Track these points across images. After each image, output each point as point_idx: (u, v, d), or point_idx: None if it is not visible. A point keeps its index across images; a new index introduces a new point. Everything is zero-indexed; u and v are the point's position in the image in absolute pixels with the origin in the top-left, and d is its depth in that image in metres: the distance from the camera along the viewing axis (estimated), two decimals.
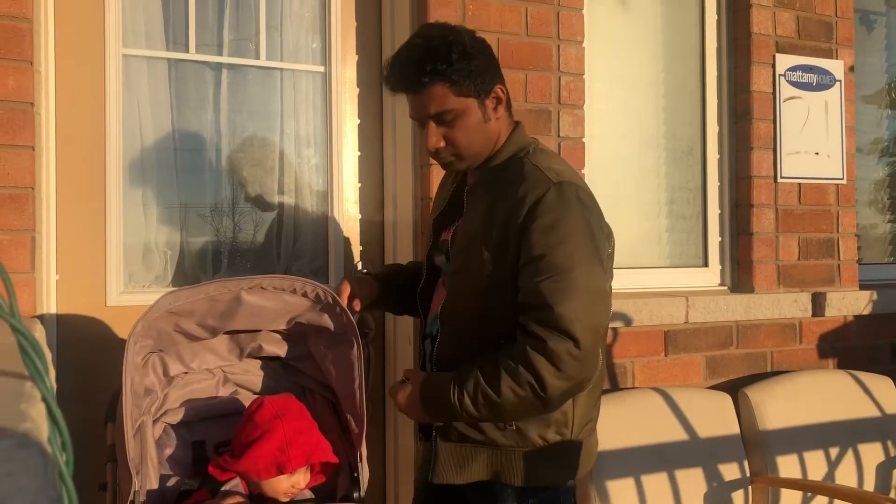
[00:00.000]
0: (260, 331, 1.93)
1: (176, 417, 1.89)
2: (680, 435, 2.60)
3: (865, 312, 3.17)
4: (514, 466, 1.74)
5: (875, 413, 2.94)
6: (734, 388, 2.83)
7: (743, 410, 2.77)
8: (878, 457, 2.89)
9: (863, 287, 3.23)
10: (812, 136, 3.13)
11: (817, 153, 3.14)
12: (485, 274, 1.72)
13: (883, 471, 2.88)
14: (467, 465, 1.76)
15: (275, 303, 1.83)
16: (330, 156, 2.56)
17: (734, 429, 2.71)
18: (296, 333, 1.95)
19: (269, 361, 2.00)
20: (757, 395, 2.78)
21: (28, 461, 0.50)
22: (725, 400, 2.75)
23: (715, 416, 2.70)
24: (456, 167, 1.81)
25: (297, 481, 1.76)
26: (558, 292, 1.60)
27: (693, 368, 2.87)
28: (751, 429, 2.74)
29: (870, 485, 2.84)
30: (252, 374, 1.99)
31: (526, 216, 1.66)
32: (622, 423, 2.52)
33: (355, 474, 1.86)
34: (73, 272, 2.22)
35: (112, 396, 1.94)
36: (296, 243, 2.56)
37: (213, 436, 1.91)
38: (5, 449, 0.48)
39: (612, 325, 2.71)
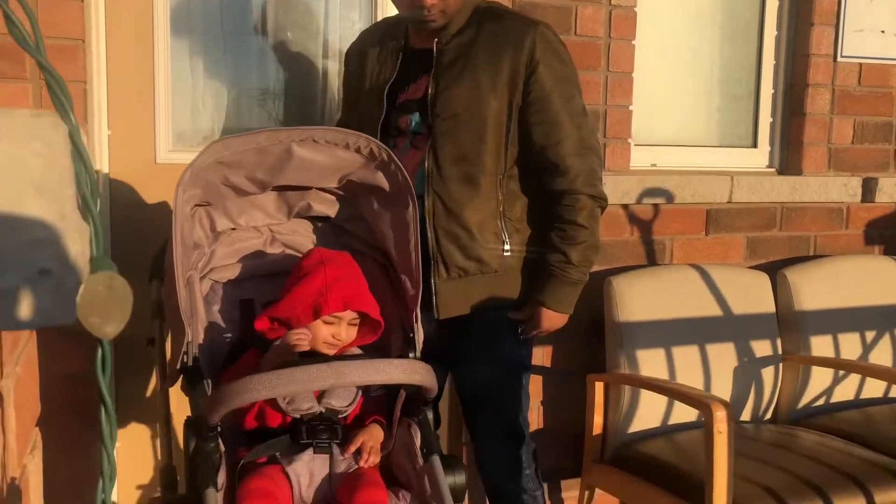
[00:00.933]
0: (310, 189, 1.88)
1: (223, 275, 1.88)
2: (714, 311, 2.63)
3: None
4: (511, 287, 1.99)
5: None
6: (774, 270, 2.82)
7: (780, 290, 2.77)
8: None
9: None
10: (880, 13, 2.98)
11: (883, 31, 3.00)
12: (489, 118, 1.89)
13: None
14: (469, 296, 1.96)
15: (327, 157, 1.78)
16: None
17: (770, 308, 2.72)
18: (347, 193, 1.90)
19: (317, 222, 1.97)
20: (796, 276, 2.78)
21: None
22: (763, 279, 2.75)
23: (751, 295, 2.71)
24: (433, 24, 1.89)
25: (338, 332, 1.70)
26: (579, 115, 1.93)
27: (733, 248, 2.86)
28: (787, 309, 2.75)
29: None
30: (300, 235, 1.95)
31: (528, 58, 1.87)
32: (656, 296, 2.55)
33: (410, 335, 1.82)
34: (124, 128, 2.28)
35: (158, 252, 1.96)
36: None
37: (261, 294, 1.88)
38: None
39: (652, 201, 2.70)
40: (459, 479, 1.64)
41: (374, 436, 1.67)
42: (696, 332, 2.59)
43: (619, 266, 2.66)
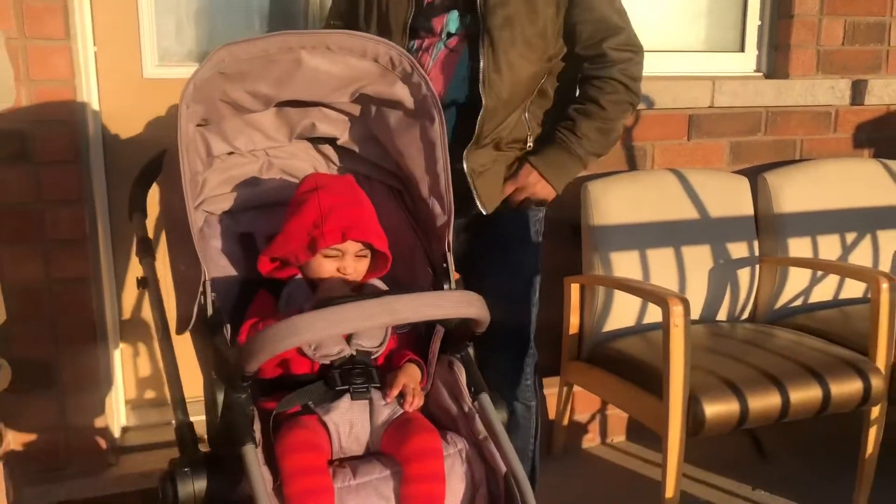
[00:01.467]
0: (315, 105, 1.72)
1: (218, 206, 1.71)
2: (691, 214, 2.68)
3: None
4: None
5: None
6: (757, 175, 2.85)
7: (760, 193, 2.81)
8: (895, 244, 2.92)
9: None
10: None
11: None
12: (542, 12, 1.87)
13: None
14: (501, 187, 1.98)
15: (340, 68, 1.60)
16: None
17: (748, 211, 2.77)
18: (358, 109, 1.73)
19: (320, 144, 1.80)
20: (776, 179, 2.81)
21: None
22: (743, 183, 2.79)
23: (730, 199, 2.75)
24: None
25: (343, 266, 1.56)
26: (623, 13, 1.97)
27: (716, 153, 2.89)
28: (766, 211, 2.80)
29: (885, 268, 2.89)
30: (298, 159, 1.78)
31: None
32: (632, 200, 2.61)
33: (444, 265, 1.65)
34: (110, 44, 2.36)
35: (137, 182, 1.83)
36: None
37: (262, 227, 1.72)
38: None
39: None
40: (503, 416, 1.51)
41: (413, 377, 1.53)
42: (672, 235, 2.65)
43: (601, 172, 2.72)
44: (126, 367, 2.53)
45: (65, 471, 2.27)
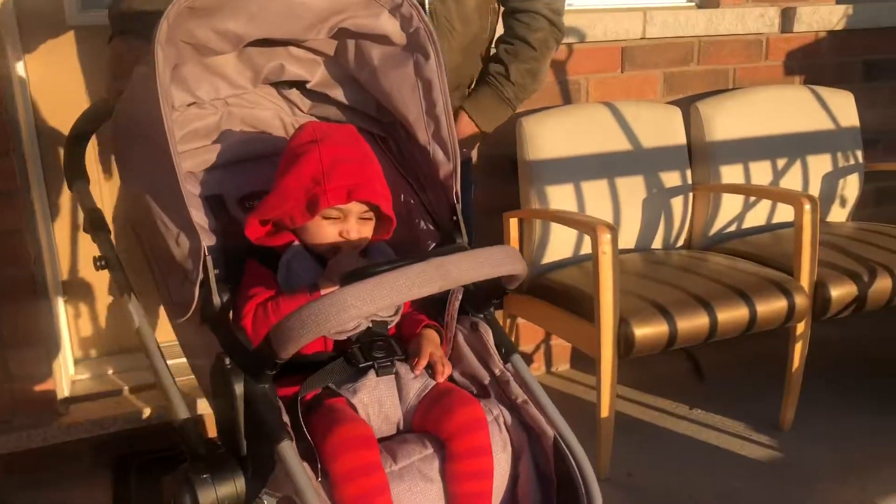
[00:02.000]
0: (285, 45, 1.54)
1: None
2: (625, 146, 2.73)
3: (838, 28, 3.13)
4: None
5: (830, 126, 3.01)
6: (690, 104, 2.90)
7: (693, 123, 2.86)
8: (825, 167, 3.00)
9: (840, 1, 3.15)
10: None
11: None
12: None
13: (828, 180, 3.01)
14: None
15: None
16: None
17: (681, 140, 2.82)
18: (331, 47, 1.56)
19: (287, 89, 1.62)
20: (709, 108, 2.86)
21: None
22: (675, 113, 2.84)
23: (662, 129, 2.80)
24: None
25: (346, 229, 1.39)
26: None
27: (649, 85, 2.93)
28: (698, 140, 2.85)
29: (814, 191, 2.98)
30: (261, 108, 1.58)
31: None
32: (567, 134, 2.65)
33: (454, 217, 1.51)
34: None
35: (71, 143, 1.66)
36: None
37: (231, 188, 1.53)
38: None
39: (565, 41, 2.75)
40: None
41: (436, 344, 1.41)
42: (607, 167, 2.70)
43: (536, 107, 2.75)
44: (74, 321, 2.53)
45: (12, 423, 2.29)
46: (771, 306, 2.33)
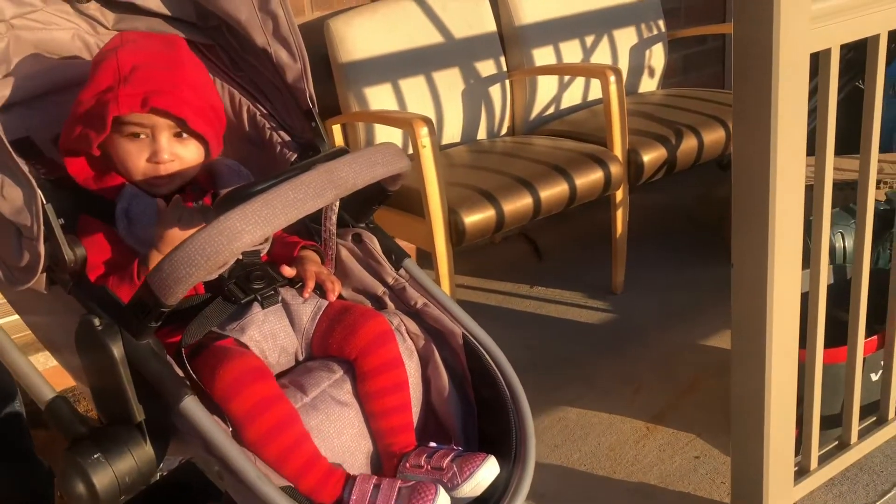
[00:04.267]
0: None
1: None
2: (437, 39, 2.73)
3: None
4: None
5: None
6: None
7: (501, 9, 2.89)
8: (631, 40, 3.12)
9: None
10: None
11: None
12: None
13: (636, 52, 3.14)
14: None
15: None
16: None
17: (491, 27, 2.85)
18: None
19: (84, 2, 1.37)
20: None
21: None
22: (482, 1, 2.84)
23: (472, 19, 2.81)
24: None
25: (157, 151, 1.19)
26: None
27: None
28: (508, 26, 2.89)
29: (624, 65, 3.10)
30: (56, 27, 1.34)
31: None
32: (377, 32, 2.61)
33: (313, 124, 1.36)
34: None
35: None
36: None
37: (40, 128, 1.29)
38: None
39: None
40: None
41: (318, 263, 1.30)
42: (421, 62, 2.69)
43: (340, 8, 2.68)
44: None
45: None
46: (588, 178, 2.44)
